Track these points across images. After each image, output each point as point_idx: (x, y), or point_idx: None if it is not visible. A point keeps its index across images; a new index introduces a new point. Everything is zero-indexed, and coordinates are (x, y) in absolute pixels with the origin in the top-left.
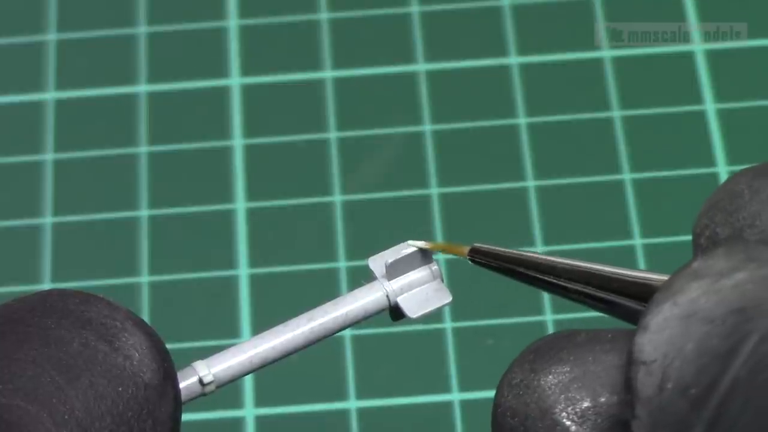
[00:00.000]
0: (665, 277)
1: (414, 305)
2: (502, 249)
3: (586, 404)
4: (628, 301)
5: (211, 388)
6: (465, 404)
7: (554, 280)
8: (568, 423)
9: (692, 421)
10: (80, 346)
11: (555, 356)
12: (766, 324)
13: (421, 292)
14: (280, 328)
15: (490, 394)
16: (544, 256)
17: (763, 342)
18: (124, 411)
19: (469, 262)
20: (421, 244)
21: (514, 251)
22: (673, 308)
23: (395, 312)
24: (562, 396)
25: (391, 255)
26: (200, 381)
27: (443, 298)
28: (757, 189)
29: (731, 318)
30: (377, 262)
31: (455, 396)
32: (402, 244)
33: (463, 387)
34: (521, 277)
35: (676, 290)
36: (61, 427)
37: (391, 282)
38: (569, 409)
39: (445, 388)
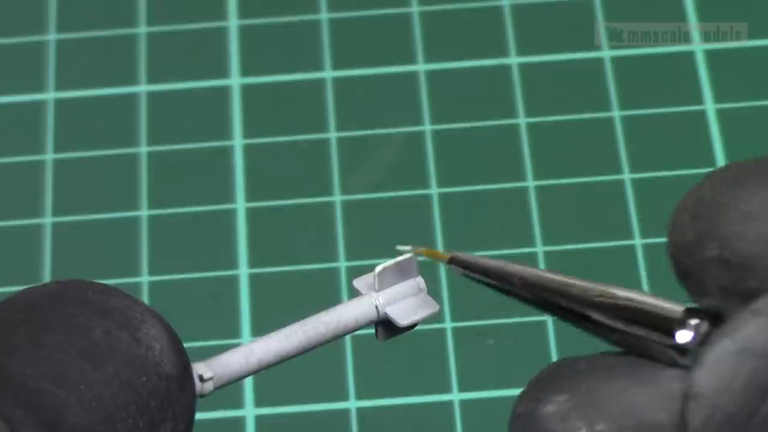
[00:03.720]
0: (638, 297)
1: (402, 314)
2: (480, 259)
3: None
4: (607, 319)
5: (209, 387)
6: (465, 404)
7: (527, 295)
8: None
9: None
10: (103, 334)
11: (556, 385)
12: None
13: (408, 303)
14: (274, 334)
15: (490, 394)
16: (522, 269)
17: None
18: (147, 400)
19: (450, 269)
20: (407, 248)
21: (492, 261)
22: (731, 344)
23: (382, 326)
24: (561, 425)
25: (378, 271)
26: (200, 378)
27: (430, 308)
28: (719, 194)
29: None
30: (361, 282)
31: (455, 396)
32: (389, 261)
33: (463, 387)
34: (496, 289)
35: (735, 326)
36: (88, 413)
37: (379, 294)
38: None
39: (445, 388)
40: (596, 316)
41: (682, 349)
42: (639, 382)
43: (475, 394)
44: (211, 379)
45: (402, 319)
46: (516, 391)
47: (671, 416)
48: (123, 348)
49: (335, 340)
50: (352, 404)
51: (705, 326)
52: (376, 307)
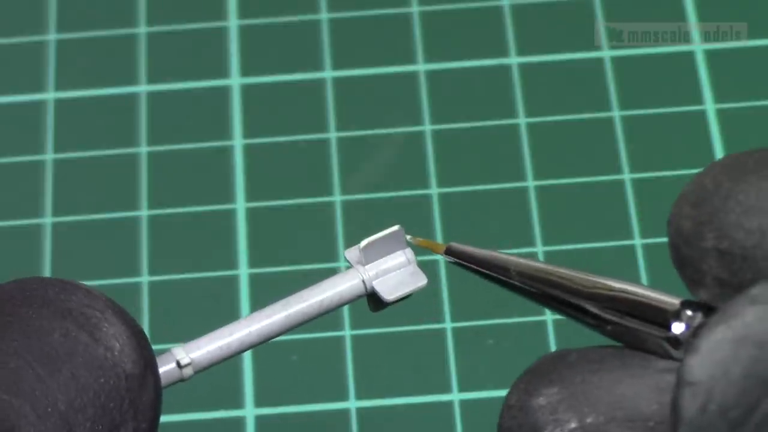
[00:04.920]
0: (634, 288)
1: (389, 288)
2: (476, 250)
3: (573, 425)
4: (602, 311)
5: (189, 371)
6: (465, 404)
7: (523, 286)
8: None
9: None
10: (61, 336)
11: (546, 377)
12: None
13: (396, 276)
14: (256, 314)
15: (490, 394)
16: (518, 260)
17: None
18: (106, 402)
19: (446, 260)
20: (408, 238)
21: (489, 252)
22: (726, 331)
23: (372, 299)
24: (551, 417)
25: (364, 245)
26: (178, 364)
27: (418, 280)
28: (720, 184)
29: None
30: (353, 253)
31: (455, 396)
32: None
33: (463, 387)
34: (493, 280)
35: (731, 314)
36: (44, 420)
37: (367, 268)
38: (557, 430)
39: (445, 388)
40: (591, 307)
41: (676, 341)
42: (630, 374)
43: (475, 394)
44: (189, 364)
45: (389, 293)
46: None
47: (663, 408)
48: (81, 350)
49: (321, 316)
50: (352, 404)
51: (700, 318)
52: (363, 281)
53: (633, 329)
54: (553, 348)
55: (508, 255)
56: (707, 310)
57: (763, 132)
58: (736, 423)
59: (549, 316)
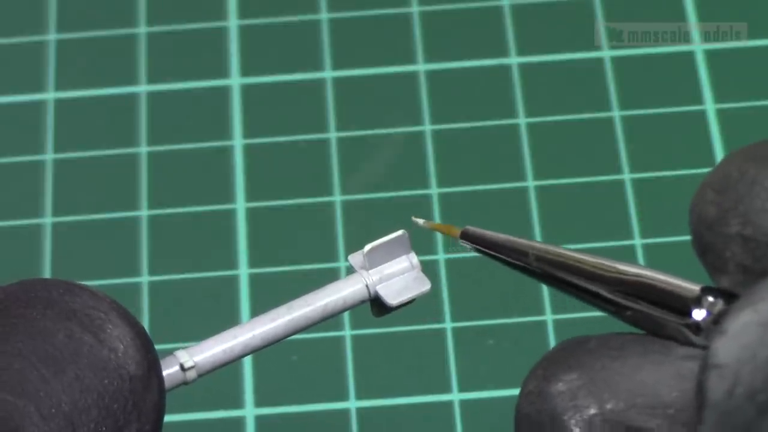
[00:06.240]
0: (654, 275)
1: (393, 293)
2: (493, 234)
3: (593, 411)
4: (621, 297)
5: (192, 375)
6: (465, 404)
7: (540, 271)
8: (576, 430)
9: (757, 428)
10: (65, 338)
11: (565, 363)
12: None
13: (400, 281)
14: (259, 318)
15: (490, 394)
16: (536, 244)
17: None
18: (110, 403)
19: (462, 244)
20: (421, 221)
21: (506, 236)
22: (753, 315)
23: (376, 304)
24: (571, 403)
25: (367, 250)
26: (181, 367)
27: (422, 285)
28: (745, 171)
29: None
30: (356, 258)
31: (455, 396)
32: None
33: (463, 387)
34: (508, 264)
35: (758, 298)
36: (48, 421)
37: (371, 272)
38: (577, 416)
39: (445, 388)
40: (610, 293)
41: (697, 327)
42: (651, 360)
43: (475, 394)
44: (193, 367)
45: (393, 298)
46: (516, 392)
47: (684, 395)
48: (85, 351)
49: (324, 321)
50: (352, 404)
51: (720, 305)
52: (367, 286)
53: (652, 315)
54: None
55: (524, 238)
56: (728, 296)
57: (763, 132)
58: (764, 407)
59: (549, 316)
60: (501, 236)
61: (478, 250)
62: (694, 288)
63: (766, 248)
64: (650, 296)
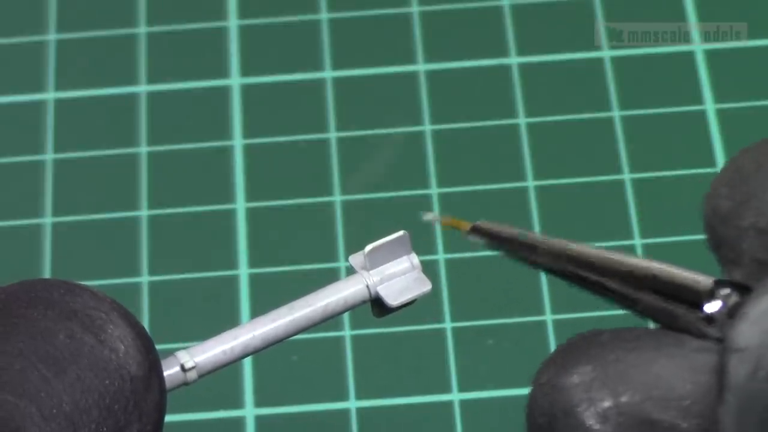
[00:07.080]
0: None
1: (394, 293)
2: (503, 228)
3: (607, 403)
4: (632, 290)
5: (193, 375)
6: (465, 404)
7: (551, 265)
8: (591, 422)
9: None
10: (66, 338)
11: (579, 356)
12: None
13: (400, 281)
14: (260, 318)
15: (490, 394)
16: (547, 238)
17: None
18: (111, 404)
19: (471, 239)
20: (431, 215)
21: (516, 230)
22: None
23: (376, 304)
24: (585, 395)
25: (368, 250)
26: (182, 368)
27: (422, 286)
28: (760, 164)
29: None
30: (357, 258)
31: (455, 396)
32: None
33: (463, 387)
34: (519, 258)
35: None
36: (49, 421)
37: (372, 273)
38: (591, 408)
39: (445, 388)
40: (621, 286)
41: (711, 320)
42: (665, 353)
43: (475, 394)
44: (194, 368)
45: (393, 298)
46: (516, 391)
47: (697, 388)
48: (86, 351)
49: (325, 321)
50: (352, 404)
51: (735, 297)
52: (368, 287)
53: (664, 308)
54: (553, 348)
55: (535, 232)
56: (741, 288)
57: (763, 132)
58: None
59: (549, 316)
60: (512, 230)
61: (489, 245)
62: (708, 280)
63: None
64: (663, 289)
